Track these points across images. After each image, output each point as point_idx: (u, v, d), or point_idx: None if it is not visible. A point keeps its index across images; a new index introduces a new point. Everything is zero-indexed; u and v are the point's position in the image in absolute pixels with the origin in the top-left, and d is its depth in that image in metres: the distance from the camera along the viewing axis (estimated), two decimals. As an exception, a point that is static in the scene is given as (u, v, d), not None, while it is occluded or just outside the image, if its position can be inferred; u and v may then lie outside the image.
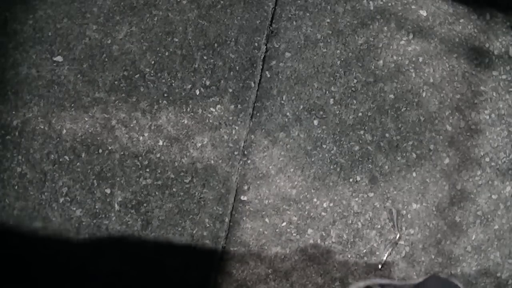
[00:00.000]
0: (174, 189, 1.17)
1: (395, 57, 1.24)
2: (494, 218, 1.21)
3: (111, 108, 1.19)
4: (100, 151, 1.17)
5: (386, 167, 1.21)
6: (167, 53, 1.21)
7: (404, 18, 1.25)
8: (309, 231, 1.18)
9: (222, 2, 1.23)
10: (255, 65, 1.22)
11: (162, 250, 1.16)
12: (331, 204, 1.19)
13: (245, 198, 1.19)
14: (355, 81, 1.23)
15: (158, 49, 1.21)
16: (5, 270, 1.13)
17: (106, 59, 1.20)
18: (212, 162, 1.18)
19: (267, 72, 1.22)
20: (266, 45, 1.23)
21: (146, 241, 1.16)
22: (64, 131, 1.17)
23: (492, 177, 1.22)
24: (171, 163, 1.18)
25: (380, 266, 1.18)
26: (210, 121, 1.20)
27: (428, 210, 1.20)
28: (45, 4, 1.20)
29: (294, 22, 1.24)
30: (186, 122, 1.19)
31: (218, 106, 1.20)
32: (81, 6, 1.21)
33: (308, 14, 1.24)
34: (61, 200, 1.15)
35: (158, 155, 1.18)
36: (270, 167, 1.20)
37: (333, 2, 1.25)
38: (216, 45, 1.22)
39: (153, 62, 1.20)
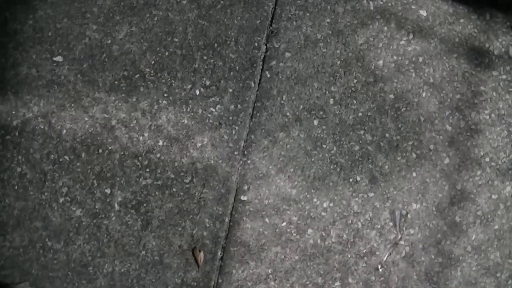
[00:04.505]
0: (174, 189, 1.17)
1: (395, 57, 1.24)
2: (494, 218, 1.21)
3: (111, 108, 1.19)
4: (100, 151, 1.17)
5: (386, 167, 1.21)
6: (167, 53, 1.21)
7: (404, 18, 1.25)
8: (309, 231, 1.18)
9: (222, 2, 1.23)
10: (255, 65, 1.22)
11: (162, 250, 1.16)
12: (331, 204, 1.19)
13: (245, 198, 1.19)
14: (355, 81, 1.23)
15: (158, 49, 1.21)
16: (5, 269, 1.13)
17: (106, 59, 1.20)
18: (212, 162, 1.18)
19: (267, 72, 1.22)
20: (266, 45, 1.23)
21: (146, 241, 1.16)
22: (64, 131, 1.17)
23: (492, 177, 1.22)
24: (171, 163, 1.18)
25: (380, 266, 1.18)
26: (210, 121, 1.20)
27: (428, 210, 1.20)
28: (45, 4, 1.20)
29: (294, 22, 1.24)
30: (186, 122, 1.19)
31: (218, 106, 1.20)
32: (81, 6, 1.21)
33: (308, 14, 1.24)
34: (61, 200, 1.15)
35: (158, 155, 1.18)
36: (270, 167, 1.20)
37: (333, 2, 1.25)
38: (216, 45, 1.22)
39: (153, 62, 1.20)
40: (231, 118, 1.20)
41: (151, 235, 1.16)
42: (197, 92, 1.20)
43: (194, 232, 1.17)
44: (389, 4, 1.26)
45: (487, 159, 1.22)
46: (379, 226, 1.19)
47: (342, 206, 1.19)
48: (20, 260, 1.14)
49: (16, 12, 1.20)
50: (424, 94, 1.24)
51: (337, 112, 1.22)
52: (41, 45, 1.19)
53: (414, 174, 1.21)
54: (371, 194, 1.20)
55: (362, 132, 1.22)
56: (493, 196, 1.21)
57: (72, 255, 1.14)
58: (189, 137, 1.19)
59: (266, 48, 1.23)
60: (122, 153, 1.17)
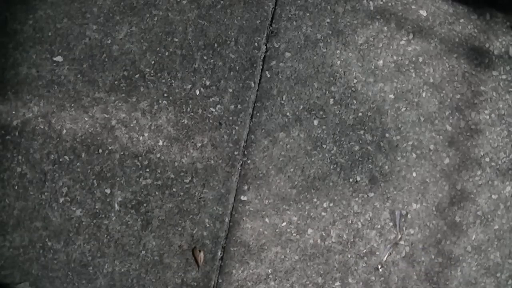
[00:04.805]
0: (174, 189, 1.17)
1: (395, 57, 1.24)
2: (494, 218, 1.21)
3: (111, 108, 1.19)
4: (100, 151, 1.17)
5: (386, 167, 1.21)
6: (167, 53, 1.21)
7: (404, 18, 1.25)
8: (309, 231, 1.18)
9: (222, 2, 1.23)
10: (255, 65, 1.22)
11: (162, 250, 1.16)
12: (331, 204, 1.19)
13: (245, 198, 1.19)
14: (355, 81, 1.23)
15: (158, 49, 1.21)
16: (5, 269, 1.13)
17: (106, 59, 1.20)
18: (212, 162, 1.18)
19: (267, 72, 1.22)
20: (266, 45, 1.23)
21: (146, 241, 1.16)
22: (64, 131, 1.17)
23: (492, 177, 1.22)
24: (171, 163, 1.18)
25: (380, 266, 1.18)
26: (210, 121, 1.20)
27: (428, 210, 1.20)
28: (45, 4, 1.20)
29: (294, 22, 1.24)
30: (186, 122, 1.19)
31: (218, 106, 1.20)
32: (81, 6, 1.21)
33: (308, 14, 1.24)
34: (61, 200, 1.15)
35: (158, 155, 1.18)
36: (270, 167, 1.20)
37: (333, 2, 1.25)
38: (216, 45, 1.22)
39: (153, 62, 1.20)
40: (231, 118, 1.20)
41: (151, 235, 1.16)
42: (197, 92, 1.20)
43: (194, 232, 1.17)
44: (389, 4, 1.26)
45: (487, 159, 1.22)
46: (379, 226, 1.19)
47: (342, 206, 1.19)
48: (20, 260, 1.14)
49: (16, 12, 1.20)
50: (424, 94, 1.24)
51: (337, 112, 1.22)
52: (41, 45, 1.19)
53: (414, 174, 1.21)
54: (371, 194, 1.20)
55: (362, 132, 1.22)
56: (493, 196, 1.21)
57: (72, 255, 1.14)
58: (189, 137, 1.19)
59: (266, 48, 1.23)
60: (122, 153, 1.17)
